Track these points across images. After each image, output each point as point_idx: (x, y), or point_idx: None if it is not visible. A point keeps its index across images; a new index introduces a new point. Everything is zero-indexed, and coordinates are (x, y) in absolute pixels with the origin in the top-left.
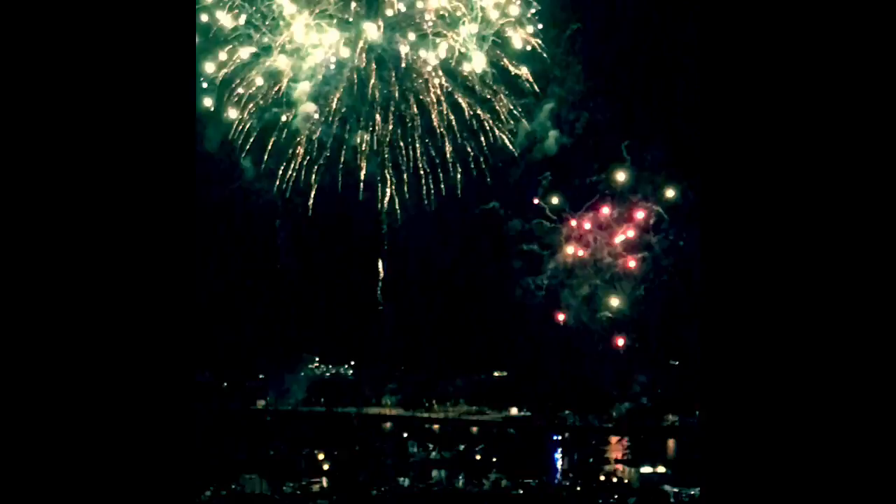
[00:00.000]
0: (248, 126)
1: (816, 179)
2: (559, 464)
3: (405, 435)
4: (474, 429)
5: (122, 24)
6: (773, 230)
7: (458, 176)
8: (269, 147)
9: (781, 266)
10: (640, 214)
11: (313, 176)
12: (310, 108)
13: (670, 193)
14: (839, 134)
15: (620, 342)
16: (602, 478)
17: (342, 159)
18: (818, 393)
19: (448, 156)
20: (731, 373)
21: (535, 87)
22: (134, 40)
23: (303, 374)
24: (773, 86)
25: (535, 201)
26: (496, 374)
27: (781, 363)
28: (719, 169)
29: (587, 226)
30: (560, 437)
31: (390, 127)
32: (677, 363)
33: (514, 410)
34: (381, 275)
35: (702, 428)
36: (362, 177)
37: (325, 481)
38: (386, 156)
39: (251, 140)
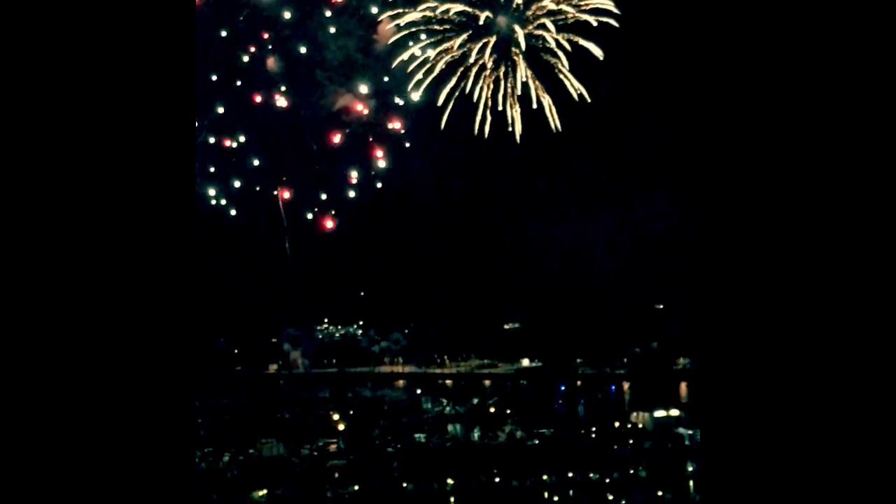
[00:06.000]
0: None
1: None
2: (573, 412)
3: (419, 391)
4: (487, 382)
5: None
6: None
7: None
8: None
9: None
10: None
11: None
12: None
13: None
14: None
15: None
16: (616, 424)
17: None
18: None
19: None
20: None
21: None
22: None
23: (318, 335)
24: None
25: None
26: (507, 326)
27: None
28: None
29: None
30: (573, 386)
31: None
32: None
33: (525, 362)
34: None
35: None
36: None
37: (341, 441)
38: None
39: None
